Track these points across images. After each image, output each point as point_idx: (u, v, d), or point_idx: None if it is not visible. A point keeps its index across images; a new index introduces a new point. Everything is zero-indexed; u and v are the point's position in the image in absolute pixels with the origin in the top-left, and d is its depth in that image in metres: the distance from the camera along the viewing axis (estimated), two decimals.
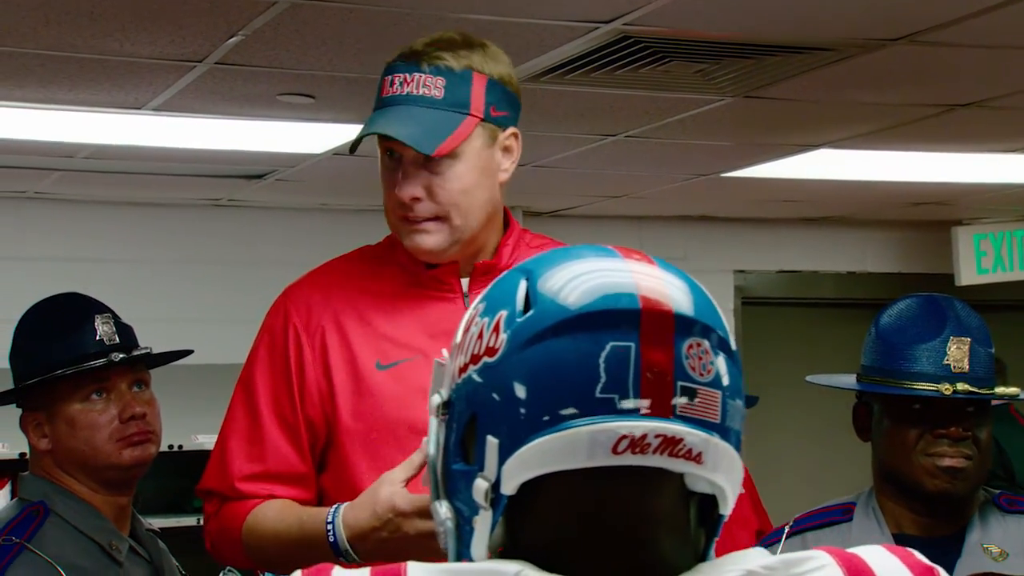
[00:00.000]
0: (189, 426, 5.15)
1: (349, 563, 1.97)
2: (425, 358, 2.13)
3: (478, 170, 2.12)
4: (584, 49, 3.52)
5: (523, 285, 1.19)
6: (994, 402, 2.35)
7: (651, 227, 6.67)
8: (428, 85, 2.09)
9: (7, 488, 4.66)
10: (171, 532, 3.14)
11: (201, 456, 4.88)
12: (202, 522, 2.31)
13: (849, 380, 2.42)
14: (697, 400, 1.14)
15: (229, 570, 3.73)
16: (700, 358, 1.15)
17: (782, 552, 1.24)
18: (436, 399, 1.23)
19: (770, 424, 6.31)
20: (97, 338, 2.51)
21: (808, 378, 2.62)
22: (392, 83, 2.12)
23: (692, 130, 4.58)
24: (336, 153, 4.76)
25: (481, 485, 1.16)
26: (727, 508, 1.18)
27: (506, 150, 2.17)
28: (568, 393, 1.13)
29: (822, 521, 2.43)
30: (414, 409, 2.08)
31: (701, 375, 1.14)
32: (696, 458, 1.13)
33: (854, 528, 2.38)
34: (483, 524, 1.17)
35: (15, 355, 2.56)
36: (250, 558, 2.23)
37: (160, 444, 2.58)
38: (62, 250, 5.77)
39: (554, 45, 3.49)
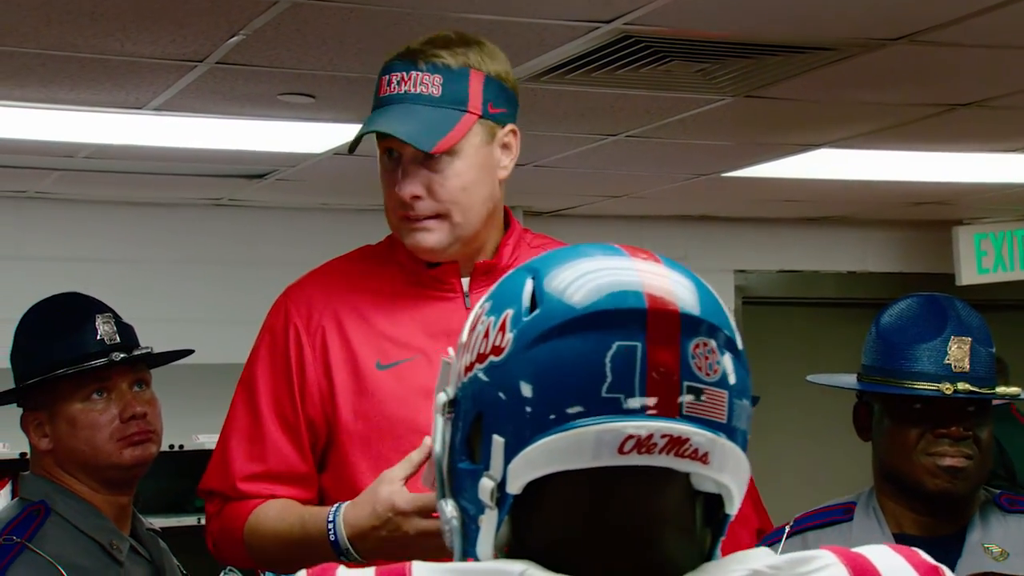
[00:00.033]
0: (190, 426, 5.16)
1: (350, 562, 1.97)
2: (425, 358, 2.14)
3: (477, 167, 2.12)
4: (585, 49, 3.52)
5: (529, 284, 1.18)
6: (995, 402, 2.35)
7: (652, 227, 6.67)
8: (426, 83, 2.10)
9: (8, 488, 4.66)
10: (172, 532, 3.14)
11: (202, 456, 4.88)
12: (203, 522, 2.32)
13: (850, 380, 2.42)
14: (703, 400, 1.14)
15: (230, 570, 3.73)
16: (706, 358, 1.14)
17: (782, 552, 1.23)
18: (442, 397, 1.23)
19: (771, 424, 6.31)
20: (98, 338, 2.51)
21: (809, 378, 2.62)
22: (389, 82, 2.12)
23: (693, 130, 4.58)
24: (337, 153, 4.76)
25: (487, 484, 1.16)
26: (733, 508, 1.18)
27: (505, 147, 2.17)
28: (574, 393, 1.12)
29: (823, 521, 2.43)
30: (414, 409, 2.09)
31: (707, 375, 1.14)
32: (702, 458, 1.13)
33: (855, 528, 2.38)
34: (489, 523, 1.17)
35: (16, 355, 2.56)
36: (252, 558, 2.23)
37: (161, 444, 2.58)
38: (63, 250, 5.77)
39: (555, 45, 3.49)
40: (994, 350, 2.34)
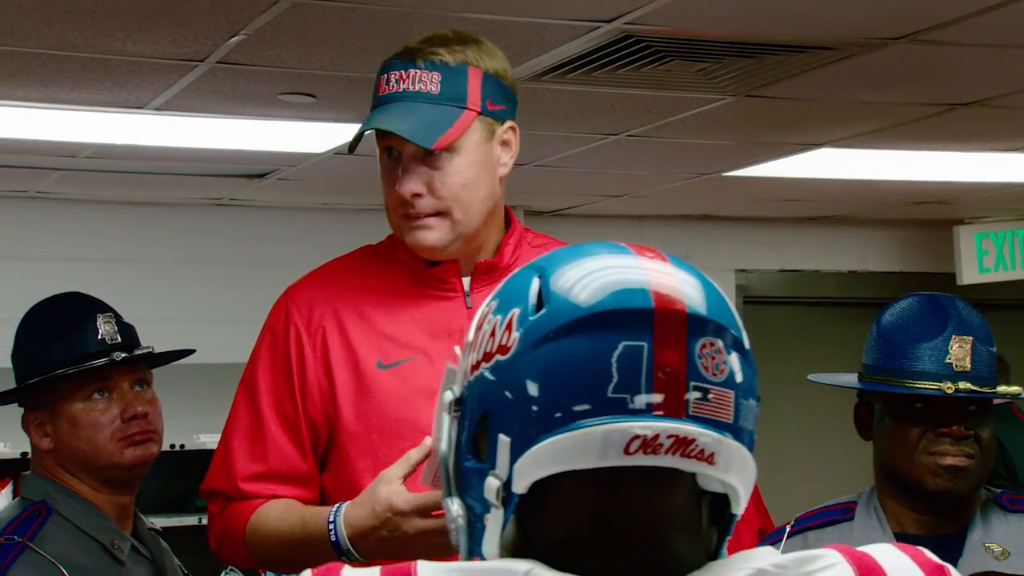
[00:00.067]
0: (191, 425, 5.16)
1: (351, 562, 1.97)
2: (426, 357, 2.14)
3: (477, 164, 2.12)
4: (585, 48, 3.52)
5: (536, 283, 1.18)
6: (996, 401, 2.35)
7: (652, 226, 6.67)
8: (424, 81, 2.10)
9: (9, 487, 4.67)
10: (173, 531, 3.14)
11: (203, 455, 4.88)
12: (204, 521, 2.32)
13: (851, 379, 2.42)
14: (710, 400, 1.13)
15: (231, 569, 3.73)
16: (713, 358, 1.14)
17: (783, 552, 1.23)
18: (448, 395, 1.23)
19: (771, 423, 6.27)
20: (99, 337, 2.51)
21: (810, 377, 2.62)
22: (388, 81, 2.12)
23: (694, 129, 4.58)
24: (337, 152, 4.76)
25: (493, 483, 1.16)
26: (739, 508, 1.18)
27: (504, 144, 2.17)
28: (580, 393, 1.12)
29: (823, 520, 2.43)
30: (415, 408, 2.09)
31: (714, 375, 1.14)
32: (708, 459, 1.13)
33: (856, 527, 2.38)
34: (494, 522, 1.17)
35: (17, 354, 2.56)
36: (253, 558, 2.23)
37: (162, 443, 2.58)
38: (64, 249, 5.78)
39: (555, 44, 3.49)
40: (995, 349, 2.34)
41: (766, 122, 4.53)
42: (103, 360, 2.49)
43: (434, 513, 1.94)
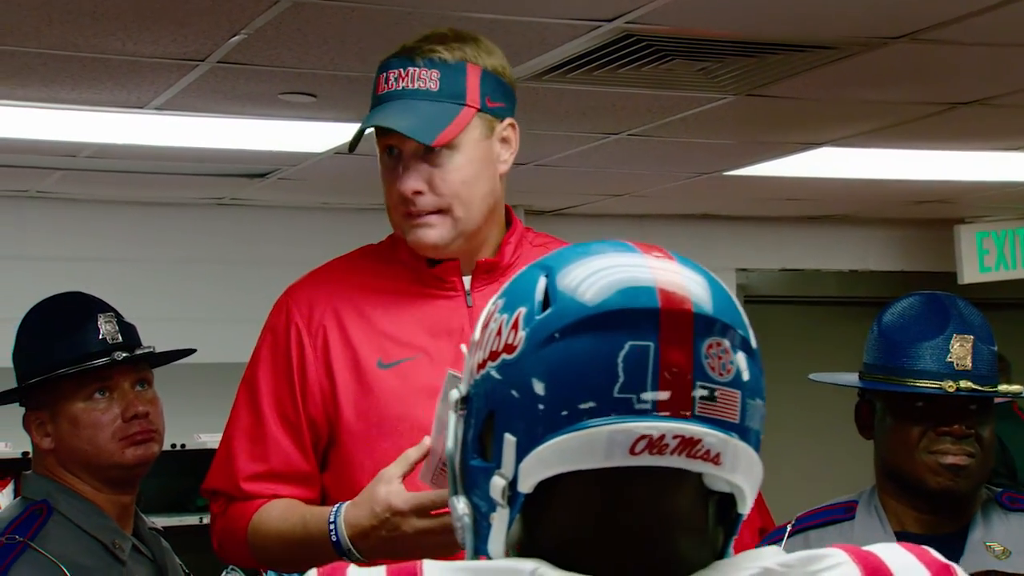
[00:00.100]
0: (192, 425, 5.16)
1: (353, 562, 1.97)
2: (427, 357, 2.14)
3: (478, 161, 2.12)
4: (586, 47, 3.52)
5: (542, 282, 1.18)
6: (997, 400, 2.35)
7: (653, 225, 6.67)
8: (423, 78, 2.10)
9: (10, 487, 4.67)
10: (174, 531, 3.14)
11: (204, 455, 4.89)
12: (204, 521, 2.32)
13: (852, 378, 2.42)
14: (716, 400, 1.13)
15: (232, 569, 3.73)
16: (720, 357, 1.14)
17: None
18: (455, 394, 1.22)
19: (772, 422, 6.21)
20: (100, 337, 2.51)
21: (811, 376, 2.62)
22: (387, 79, 2.12)
23: (694, 128, 4.58)
24: (338, 152, 4.76)
25: (498, 483, 1.16)
26: (746, 508, 1.18)
27: (504, 141, 2.17)
28: (586, 392, 1.12)
29: (824, 520, 2.43)
30: (416, 407, 2.09)
31: (720, 375, 1.13)
32: (714, 459, 1.13)
33: (856, 526, 2.38)
34: (500, 521, 1.17)
35: (18, 354, 2.56)
36: (255, 558, 2.23)
37: (163, 443, 2.58)
38: (64, 249, 5.78)
39: (556, 43, 3.49)
40: (996, 348, 2.34)
41: (767, 121, 4.53)
42: (104, 360, 2.49)
43: (433, 512, 1.94)
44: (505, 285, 1.23)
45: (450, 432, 1.23)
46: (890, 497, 2.38)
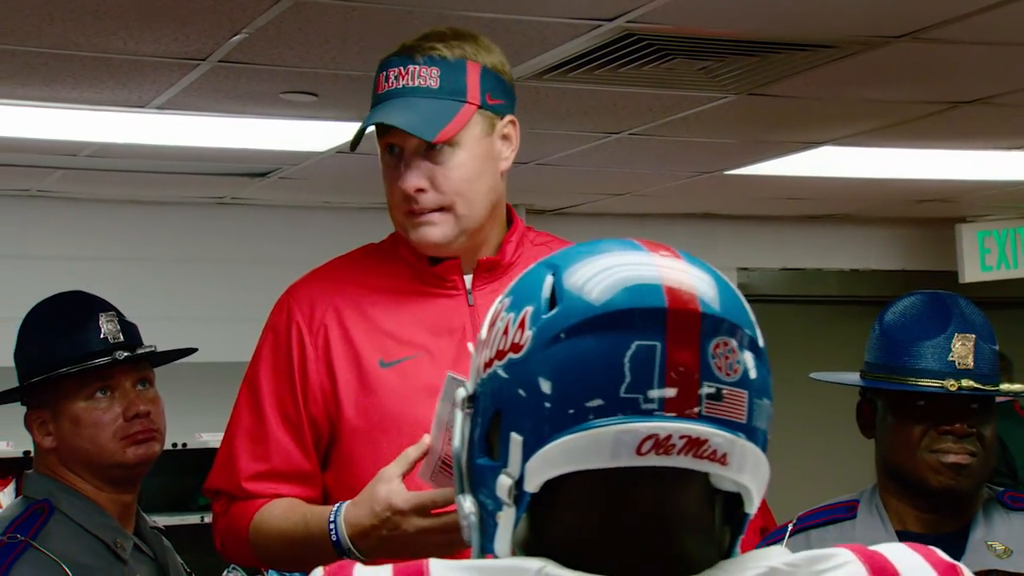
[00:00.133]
0: (193, 424, 5.16)
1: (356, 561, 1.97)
2: (428, 355, 2.13)
3: (479, 158, 2.12)
4: (587, 47, 3.52)
5: (549, 280, 1.18)
6: (998, 399, 2.35)
7: (654, 225, 6.67)
8: (423, 76, 2.10)
9: (11, 486, 4.66)
10: (175, 530, 3.14)
11: (205, 454, 4.89)
12: (206, 520, 2.32)
13: (853, 377, 2.42)
14: (723, 400, 1.12)
15: (233, 568, 3.73)
16: (727, 357, 1.13)
17: None
18: (461, 392, 1.22)
19: (773, 421, 6.30)
20: (101, 336, 2.51)
21: (812, 375, 2.62)
22: (387, 78, 2.12)
23: (695, 128, 4.58)
24: (339, 151, 4.76)
25: (505, 482, 1.16)
26: (752, 507, 1.18)
27: (505, 138, 2.17)
28: (593, 392, 1.12)
29: (826, 519, 2.42)
30: (417, 406, 2.08)
31: (727, 375, 1.13)
32: (721, 459, 1.12)
33: (858, 526, 2.38)
34: (506, 520, 1.17)
35: (19, 353, 2.56)
36: (257, 557, 2.23)
37: (164, 442, 2.58)
38: (66, 248, 5.78)
39: (557, 43, 3.49)
40: (997, 347, 2.34)
41: (768, 120, 4.53)
42: (105, 359, 2.49)
43: (433, 512, 1.94)
44: (512, 283, 1.23)
45: (456, 430, 1.22)
46: (891, 496, 2.38)
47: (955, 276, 6.60)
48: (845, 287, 7.19)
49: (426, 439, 1.92)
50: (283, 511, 2.15)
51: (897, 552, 1.21)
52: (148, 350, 2.57)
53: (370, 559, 1.97)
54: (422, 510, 1.95)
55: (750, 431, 1.14)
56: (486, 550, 1.20)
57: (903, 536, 2.31)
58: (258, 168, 5.27)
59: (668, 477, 1.13)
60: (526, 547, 1.19)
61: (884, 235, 7.17)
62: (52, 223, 5.80)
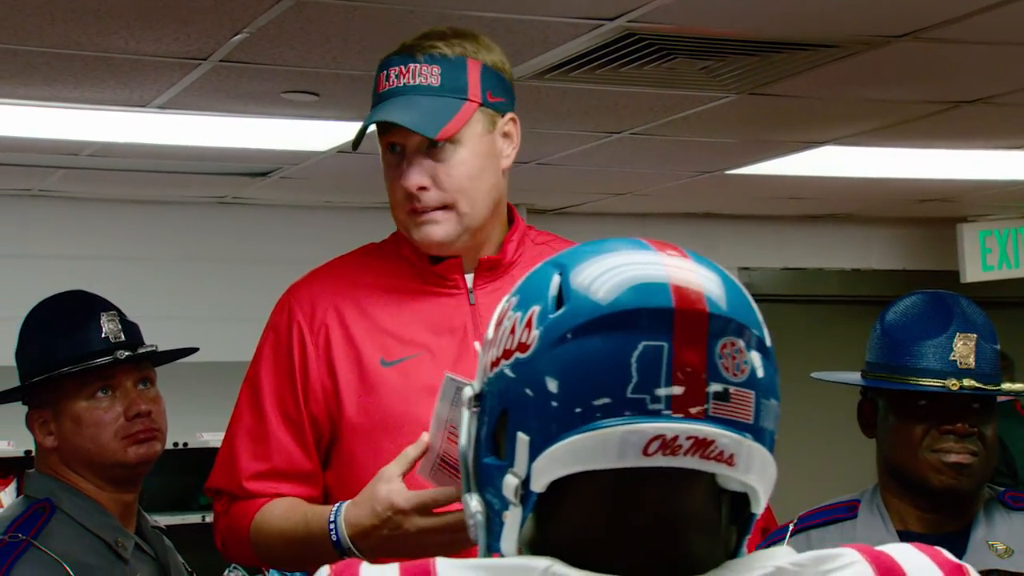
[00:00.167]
0: (194, 423, 5.16)
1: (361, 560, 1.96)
2: (429, 354, 2.13)
3: (481, 155, 2.12)
4: (589, 46, 3.52)
5: (556, 280, 1.17)
6: (999, 398, 2.35)
7: (655, 224, 6.67)
8: (424, 74, 2.10)
9: (13, 485, 4.67)
10: (176, 529, 3.14)
11: (206, 453, 4.89)
12: (207, 519, 2.32)
13: (854, 377, 2.42)
14: (730, 400, 1.12)
15: (234, 567, 3.74)
16: (734, 357, 1.13)
17: None
18: (468, 391, 1.22)
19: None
20: (102, 336, 2.51)
21: (813, 374, 2.62)
22: (388, 77, 2.12)
23: (697, 127, 4.58)
24: (340, 150, 4.76)
25: (511, 481, 1.16)
26: (759, 507, 1.17)
27: (506, 136, 2.17)
28: (600, 392, 1.11)
29: (826, 519, 2.42)
30: (418, 405, 2.08)
31: (735, 375, 1.13)
32: (728, 460, 1.12)
33: (859, 525, 2.38)
34: (513, 519, 1.17)
35: (21, 353, 2.56)
36: (258, 556, 2.23)
37: (165, 441, 2.58)
38: (67, 247, 5.78)
39: (558, 42, 3.49)
40: (999, 347, 2.34)
41: (769, 120, 4.53)
42: (107, 358, 2.49)
43: (435, 511, 1.94)
44: (519, 282, 1.23)
45: (463, 429, 1.22)
46: (893, 496, 2.38)
47: (956, 276, 6.60)
48: (846, 287, 7.18)
49: (424, 437, 1.92)
50: (284, 511, 2.15)
51: (903, 552, 1.21)
52: (149, 349, 2.57)
53: (370, 559, 1.97)
54: (423, 509, 1.95)
55: (757, 431, 1.14)
56: (492, 549, 1.20)
57: (904, 536, 2.30)
58: (259, 168, 5.27)
59: (675, 477, 1.13)
60: (533, 546, 1.19)
61: (885, 235, 7.17)
62: (53, 222, 5.80)
